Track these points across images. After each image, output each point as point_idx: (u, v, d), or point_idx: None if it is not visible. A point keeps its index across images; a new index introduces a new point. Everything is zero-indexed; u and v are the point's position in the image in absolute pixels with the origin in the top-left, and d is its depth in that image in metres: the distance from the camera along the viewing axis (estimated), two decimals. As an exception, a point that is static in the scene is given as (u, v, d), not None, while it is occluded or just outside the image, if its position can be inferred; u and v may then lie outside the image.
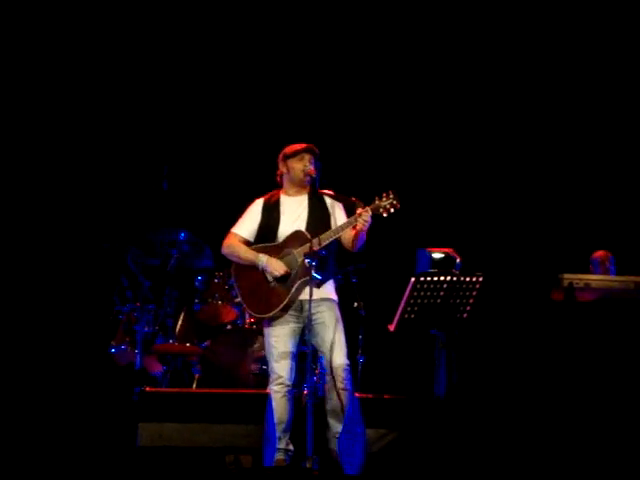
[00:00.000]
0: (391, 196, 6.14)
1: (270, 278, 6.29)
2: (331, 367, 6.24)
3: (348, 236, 6.28)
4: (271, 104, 9.50)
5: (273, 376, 6.29)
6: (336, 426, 6.22)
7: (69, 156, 9.34)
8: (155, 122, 9.51)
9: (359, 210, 6.15)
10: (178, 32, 9.40)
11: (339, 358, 6.24)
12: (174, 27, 9.40)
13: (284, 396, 6.23)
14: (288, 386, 6.25)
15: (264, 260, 6.29)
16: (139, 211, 9.18)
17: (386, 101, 9.54)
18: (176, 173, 9.05)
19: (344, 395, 6.22)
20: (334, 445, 6.20)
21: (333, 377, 6.24)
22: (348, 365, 6.27)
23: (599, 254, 8.31)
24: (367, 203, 6.15)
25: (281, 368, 6.25)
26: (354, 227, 6.20)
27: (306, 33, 9.41)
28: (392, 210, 6.13)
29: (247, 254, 6.36)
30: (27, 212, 9.15)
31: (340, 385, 6.23)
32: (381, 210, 6.13)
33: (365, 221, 6.11)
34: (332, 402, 6.25)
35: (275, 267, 6.26)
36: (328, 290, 6.37)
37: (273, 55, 9.49)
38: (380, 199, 6.14)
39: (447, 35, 9.42)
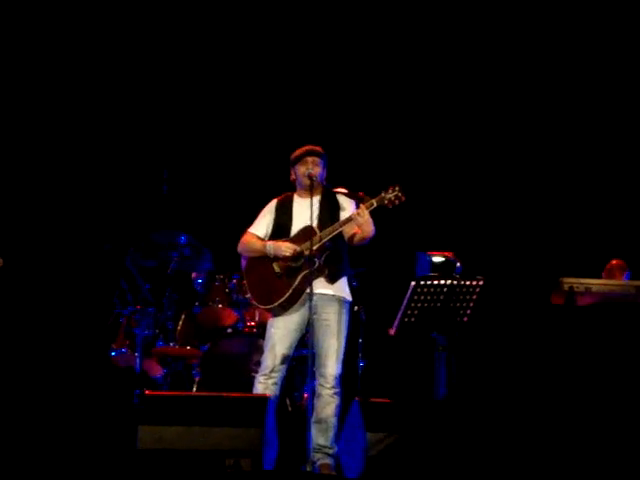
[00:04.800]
0: (397, 188, 6.23)
1: (277, 269, 6.33)
2: (322, 374, 6.27)
3: (348, 233, 6.34)
4: (272, 106, 9.51)
5: (262, 365, 6.37)
6: (317, 437, 6.23)
7: (69, 159, 9.34)
8: (155, 125, 9.52)
9: (357, 210, 6.22)
10: (178, 36, 9.41)
11: (332, 367, 6.25)
12: (174, 31, 9.41)
13: (267, 388, 6.28)
14: (272, 378, 6.29)
15: (272, 245, 6.36)
16: (139, 214, 9.19)
17: (389, 106, 9.54)
18: (176, 176, 9.06)
19: (332, 406, 6.24)
20: (312, 456, 6.20)
21: (322, 385, 6.26)
22: (340, 375, 6.28)
23: (611, 264, 8.25)
24: (373, 198, 6.24)
25: (270, 359, 6.31)
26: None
27: (309, 31, 9.42)
28: (397, 202, 6.22)
29: (257, 245, 6.47)
30: (28, 215, 9.15)
31: (328, 392, 6.24)
32: (386, 202, 6.22)
33: (362, 219, 6.16)
34: (317, 412, 6.26)
35: (283, 248, 6.32)
36: (341, 288, 6.40)
37: (273, 56, 9.49)
38: (386, 191, 6.23)
39: (450, 37, 9.43)
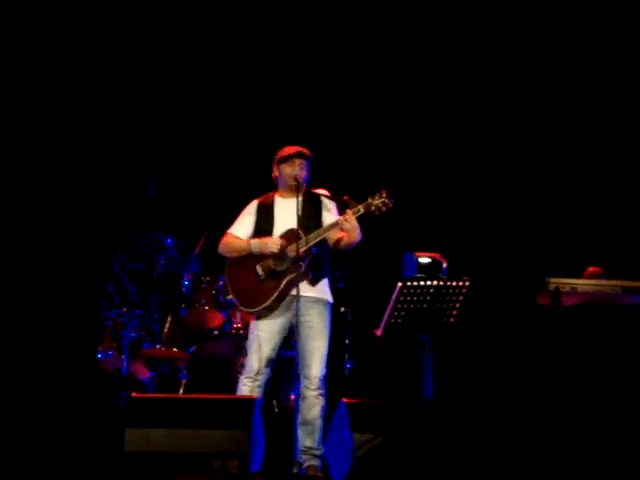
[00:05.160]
0: (384, 195, 6.21)
1: (260, 272, 6.31)
2: (307, 376, 6.28)
3: (332, 238, 6.34)
4: (257, 109, 9.50)
5: (246, 367, 6.39)
6: (304, 439, 6.26)
7: (55, 162, 9.33)
8: (142, 128, 9.51)
9: (343, 216, 6.23)
10: (165, 42, 9.41)
11: (316, 369, 6.28)
12: (161, 36, 9.40)
13: (252, 391, 6.30)
14: (258, 380, 6.31)
15: (257, 242, 6.35)
16: (125, 217, 9.16)
17: (377, 105, 9.54)
18: (163, 179, 9.04)
19: (317, 407, 6.25)
20: (299, 458, 6.24)
21: (307, 387, 6.27)
22: (324, 376, 6.30)
23: (588, 270, 8.26)
24: (359, 203, 6.24)
25: (256, 362, 6.32)
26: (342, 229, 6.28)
27: (297, 33, 9.40)
28: (384, 209, 6.21)
29: (241, 244, 6.45)
30: (14, 218, 9.13)
31: (313, 393, 6.25)
32: (373, 208, 6.21)
33: (349, 224, 6.17)
34: (303, 413, 6.27)
35: (270, 244, 6.31)
36: (323, 290, 6.41)
37: (258, 61, 9.48)
38: (373, 197, 6.22)
39: (436, 39, 9.43)
